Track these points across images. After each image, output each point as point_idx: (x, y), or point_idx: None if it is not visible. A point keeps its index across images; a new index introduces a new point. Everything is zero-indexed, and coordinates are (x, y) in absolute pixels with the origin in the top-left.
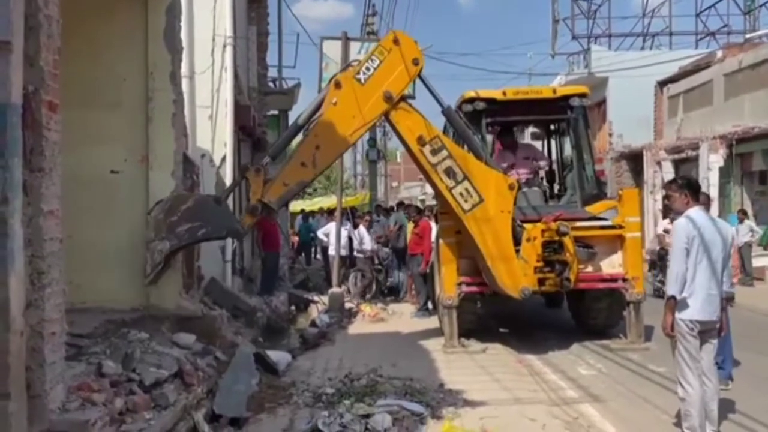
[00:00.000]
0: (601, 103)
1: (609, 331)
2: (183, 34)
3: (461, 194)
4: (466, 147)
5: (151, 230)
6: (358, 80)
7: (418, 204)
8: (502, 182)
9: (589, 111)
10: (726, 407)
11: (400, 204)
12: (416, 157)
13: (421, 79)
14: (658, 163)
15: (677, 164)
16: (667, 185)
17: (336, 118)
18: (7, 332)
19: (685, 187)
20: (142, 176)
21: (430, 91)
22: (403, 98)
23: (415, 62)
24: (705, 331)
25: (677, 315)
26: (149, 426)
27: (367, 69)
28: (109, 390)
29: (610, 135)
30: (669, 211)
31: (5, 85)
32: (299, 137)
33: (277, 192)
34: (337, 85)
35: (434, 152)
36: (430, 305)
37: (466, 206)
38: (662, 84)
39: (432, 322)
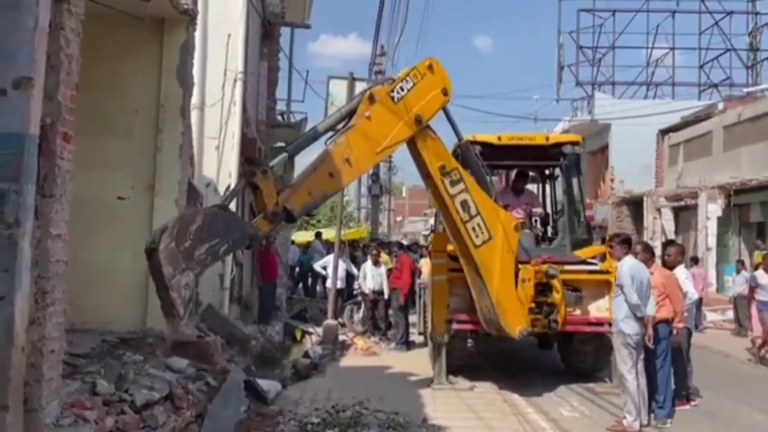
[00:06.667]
0: (604, 149)
1: (596, 375)
2: (195, 69)
3: (473, 229)
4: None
5: (167, 265)
6: (392, 98)
7: (421, 239)
8: (509, 222)
9: (585, 157)
10: None
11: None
12: (436, 185)
13: (445, 111)
14: (658, 210)
15: (677, 212)
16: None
17: (369, 132)
18: (10, 347)
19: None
20: (147, 203)
21: (452, 124)
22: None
23: (445, 92)
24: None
25: None
26: None
27: (401, 89)
28: (101, 408)
29: (612, 180)
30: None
31: (25, 117)
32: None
33: (301, 200)
34: (371, 99)
35: (453, 183)
36: (414, 338)
37: (478, 241)
38: (664, 132)
39: (423, 358)
